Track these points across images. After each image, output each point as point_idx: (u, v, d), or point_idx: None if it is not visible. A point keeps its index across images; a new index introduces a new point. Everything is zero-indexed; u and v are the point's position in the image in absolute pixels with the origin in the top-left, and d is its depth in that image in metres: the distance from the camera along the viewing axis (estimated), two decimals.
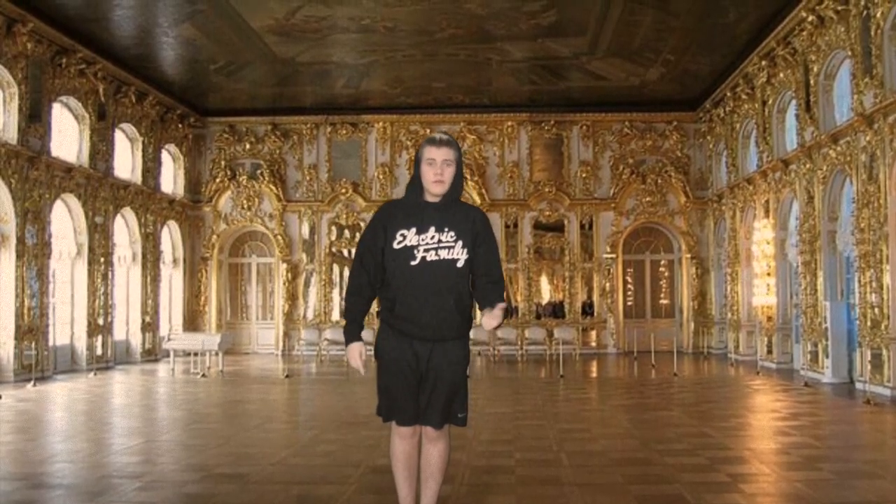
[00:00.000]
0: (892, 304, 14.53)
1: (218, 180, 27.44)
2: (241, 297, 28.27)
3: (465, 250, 5.33)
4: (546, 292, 27.60)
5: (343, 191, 27.06)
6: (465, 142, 26.99)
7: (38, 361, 18.56)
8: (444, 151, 5.34)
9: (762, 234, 21.08)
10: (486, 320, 5.26)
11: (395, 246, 5.31)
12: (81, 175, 20.70)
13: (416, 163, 5.44)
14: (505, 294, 5.72)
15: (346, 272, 26.92)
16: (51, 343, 19.39)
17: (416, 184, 5.44)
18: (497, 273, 5.45)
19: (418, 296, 5.28)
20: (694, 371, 20.57)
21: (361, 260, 5.46)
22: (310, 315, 27.05)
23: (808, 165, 18.23)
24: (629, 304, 27.50)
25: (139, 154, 24.36)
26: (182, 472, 8.43)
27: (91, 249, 21.28)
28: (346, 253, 27.28)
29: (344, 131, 27.28)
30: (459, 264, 5.31)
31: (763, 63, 20.38)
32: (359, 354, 5.36)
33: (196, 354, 21.19)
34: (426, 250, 5.29)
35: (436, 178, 5.32)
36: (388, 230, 5.36)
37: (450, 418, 5.45)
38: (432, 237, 5.30)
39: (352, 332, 5.42)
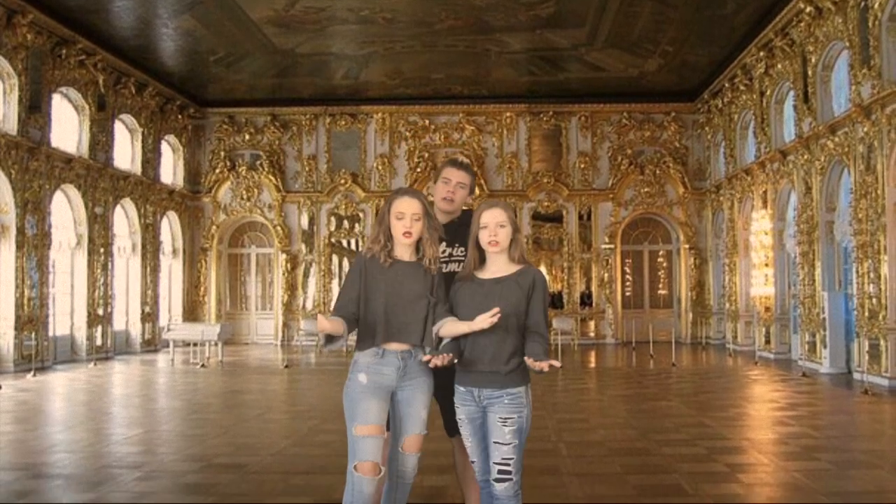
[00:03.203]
0: (889, 294, 14.58)
1: (217, 171, 27.43)
2: (240, 288, 28.29)
3: None
4: None
5: (342, 181, 27.05)
6: (463, 133, 27.05)
7: (38, 351, 18.60)
8: (460, 175, 5.61)
9: (760, 224, 21.09)
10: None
11: None
12: (81, 166, 20.71)
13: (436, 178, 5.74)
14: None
15: (346, 263, 26.99)
16: (51, 333, 19.42)
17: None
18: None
19: None
20: (692, 361, 20.62)
21: None
22: (309, 305, 27.06)
23: (805, 156, 18.24)
24: (628, 294, 27.53)
25: (139, 145, 24.37)
26: (181, 462, 8.48)
27: (91, 240, 21.29)
28: (345, 243, 27.30)
29: (343, 122, 27.27)
30: None
31: (761, 54, 20.38)
32: None
33: (195, 345, 21.24)
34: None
35: (447, 196, 5.56)
36: None
37: None
38: (443, 251, 5.43)
39: None
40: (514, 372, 4.75)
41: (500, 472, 4.65)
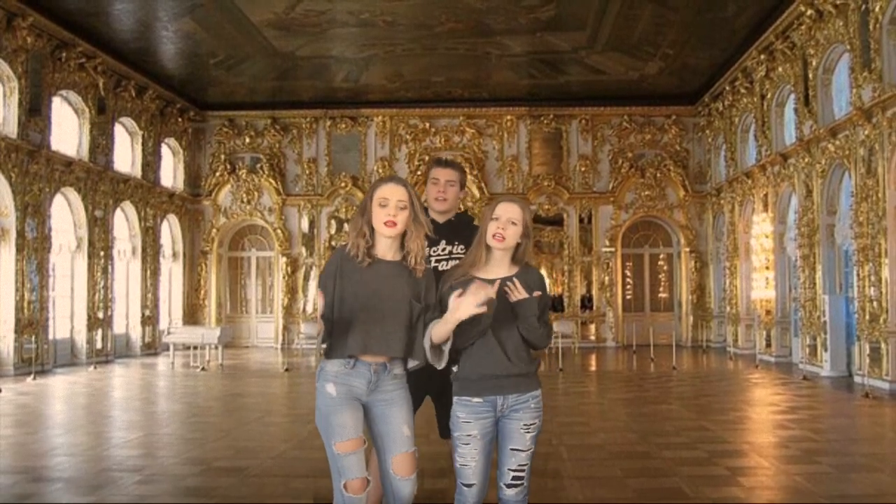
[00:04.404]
0: (890, 297, 14.57)
1: (217, 174, 27.42)
2: (240, 291, 28.27)
3: None
4: None
5: (342, 185, 27.04)
6: (464, 136, 27.05)
7: (38, 355, 18.59)
8: (448, 172, 5.58)
9: (761, 227, 21.09)
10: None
11: None
12: (81, 169, 20.71)
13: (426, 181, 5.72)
14: None
15: None
16: (51, 336, 19.40)
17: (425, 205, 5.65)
18: None
19: None
20: (693, 365, 20.60)
21: None
22: (309, 309, 27.04)
23: (806, 159, 18.24)
24: (628, 297, 27.51)
25: (139, 148, 24.36)
26: (182, 466, 8.46)
27: (91, 243, 21.28)
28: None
29: (343, 125, 27.26)
30: None
31: (762, 57, 20.37)
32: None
33: (196, 348, 21.22)
34: (437, 261, 5.43)
35: (438, 196, 5.54)
36: None
37: None
38: (444, 249, 5.46)
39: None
40: (536, 373, 4.56)
41: (514, 478, 4.42)
